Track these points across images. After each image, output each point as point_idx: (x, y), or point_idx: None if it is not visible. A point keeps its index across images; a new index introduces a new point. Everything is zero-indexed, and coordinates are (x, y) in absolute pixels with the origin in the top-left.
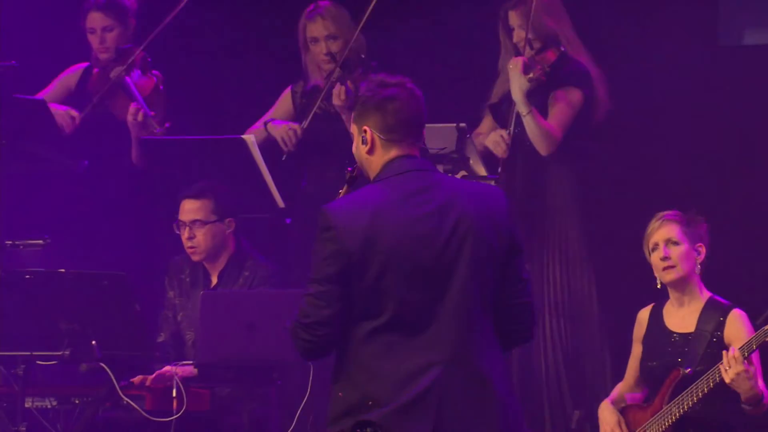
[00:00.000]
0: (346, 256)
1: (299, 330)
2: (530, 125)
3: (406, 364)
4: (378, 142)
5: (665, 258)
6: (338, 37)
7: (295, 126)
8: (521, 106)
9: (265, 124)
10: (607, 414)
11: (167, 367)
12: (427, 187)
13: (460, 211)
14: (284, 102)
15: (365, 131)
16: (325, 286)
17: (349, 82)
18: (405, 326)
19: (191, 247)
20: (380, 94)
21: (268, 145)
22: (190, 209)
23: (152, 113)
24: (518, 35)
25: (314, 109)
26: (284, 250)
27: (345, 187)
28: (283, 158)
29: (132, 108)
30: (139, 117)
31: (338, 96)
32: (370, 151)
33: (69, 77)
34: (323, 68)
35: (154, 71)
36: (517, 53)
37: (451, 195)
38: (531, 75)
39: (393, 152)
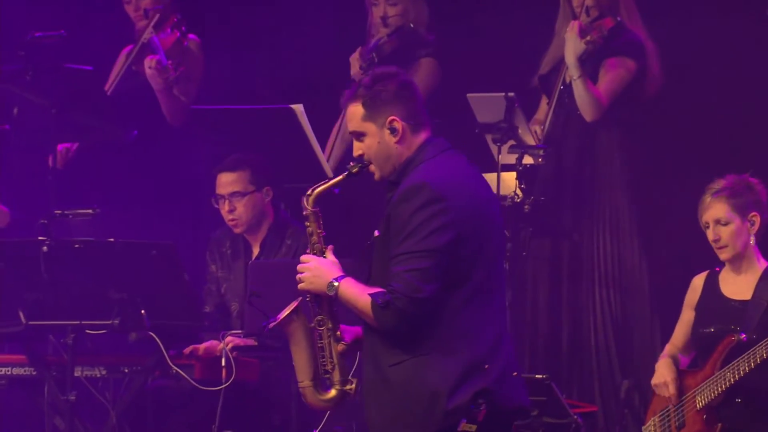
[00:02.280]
0: (457, 226)
1: (408, 304)
2: (579, 90)
3: (492, 329)
4: (407, 129)
5: (716, 240)
6: (397, 4)
7: None
8: (573, 70)
9: None
10: (666, 370)
11: (228, 338)
12: (467, 162)
13: (488, 184)
14: (353, 65)
15: (394, 121)
16: (435, 259)
17: (371, 55)
18: (486, 293)
19: (232, 220)
20: (393, 84)
21: None
22: (227, 182)
23: (168, 62)
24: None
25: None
26: (331, 219)
27: (341, 177)
28: None
29: (147, 60)
30: (153, 64)
31: (353, 63)
32: (401, 141)
33: (119, 62)
34: (379, 31)
35: (190, 35)
36: (575, 18)
37: (478, 170)
38: (588, 38)
39: (423, 134)
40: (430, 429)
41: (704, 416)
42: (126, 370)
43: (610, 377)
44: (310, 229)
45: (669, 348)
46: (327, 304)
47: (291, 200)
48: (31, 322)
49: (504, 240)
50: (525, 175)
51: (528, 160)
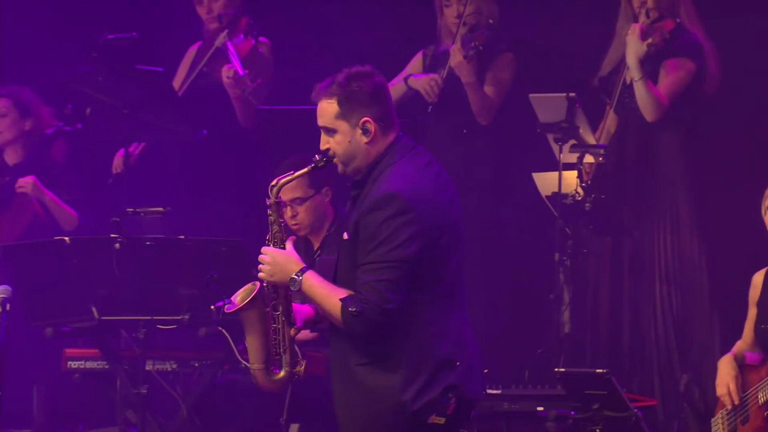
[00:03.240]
0: (425, 235)
1: (378, 315)
2: (641, 91)
3: (457, 325)
4: (378, 130)
5: None
6: (470, 2)
7: (436, 76)
8: (635, 72)
9: (405, 79)
10: (728, 368)
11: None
12: (432, 159)
13: (452, 181)
14: (415, 64)
15: (367, 122)
16: (404, 269)
17: (473, 44)
18: (451, 291)
19: (295, 225)
20: (370, 85)
21: (408, 100)
22: (287, 188)
23: (245, 71)
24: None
25: (446, 67)
26: None
27: (306, 169)
28: (429, 110)
29: (225, 68)
30: (231, 74)
31: (455, 54)
32: (372, 141)
33: (186, 59)
34: (453, 32)
35: (260, 38)
36: (635, 19)
37: (441, 169)
38: (650, 40)
39: (391, 135)
40: (400, 429)
41: (765, 413)
42: (196, 364)
43: (670, 372)
44: (272, 218)
45: (739, 344)
46: (283, 291)
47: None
48: (103, 318)
49: (464, 234)
50: (587, 174)
51: (589, 159)
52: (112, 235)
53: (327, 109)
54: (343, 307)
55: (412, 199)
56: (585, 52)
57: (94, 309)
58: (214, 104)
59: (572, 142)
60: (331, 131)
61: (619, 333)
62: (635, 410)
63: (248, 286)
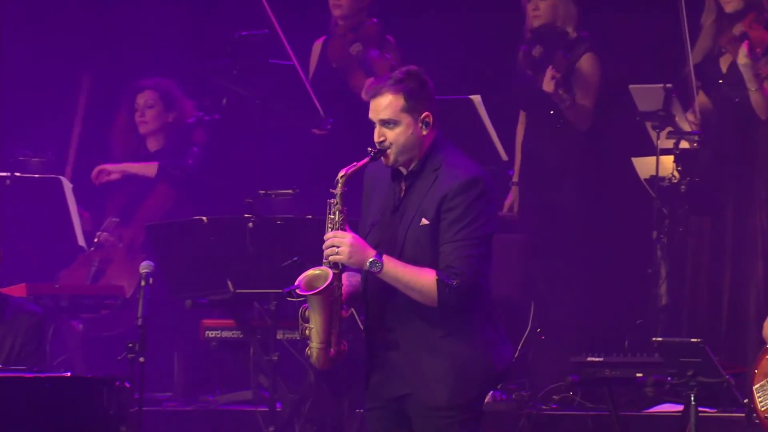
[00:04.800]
0: (496, 214)
1: (472, 286)
2: (758, 99)
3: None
4: (431, 125)
5: None
6: (546, 8)
7: None
8: (751, 84)
9: None
10: None
11: None
12: None
13: None
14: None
15: (427, 116)
16: (488, 244)
17: (551, 68)
18: None
19: None
20: (427, 82)
21: None
22: None
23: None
24: None
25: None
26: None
27: (365, 161)
28: None
29: (367, 85)
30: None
31: (546, 82)
32: (428, 135)
33: (313, 54)
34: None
35: (387, 36)
36: (719, 10)
37: None
38: (758, 70)
39: (435, 128)
40: (485, 390)
41: None
42: None
43: (761, 342)
44: (337, 207)
45: None
46: (339, 274)
47: None
48: (238, 291)
49: None
50: (683, 158)
51: (684, 144)
52: (246, 215)
53: (393, 102)
54: (440, 281)
55: (488, 182)
56: (661, 44)
57: (229, 283)
58: (340, 95)
59: (669, 129)
60: (393, 123)
61: (717, 305)
62: (727, 377)
63: (313, 270)
